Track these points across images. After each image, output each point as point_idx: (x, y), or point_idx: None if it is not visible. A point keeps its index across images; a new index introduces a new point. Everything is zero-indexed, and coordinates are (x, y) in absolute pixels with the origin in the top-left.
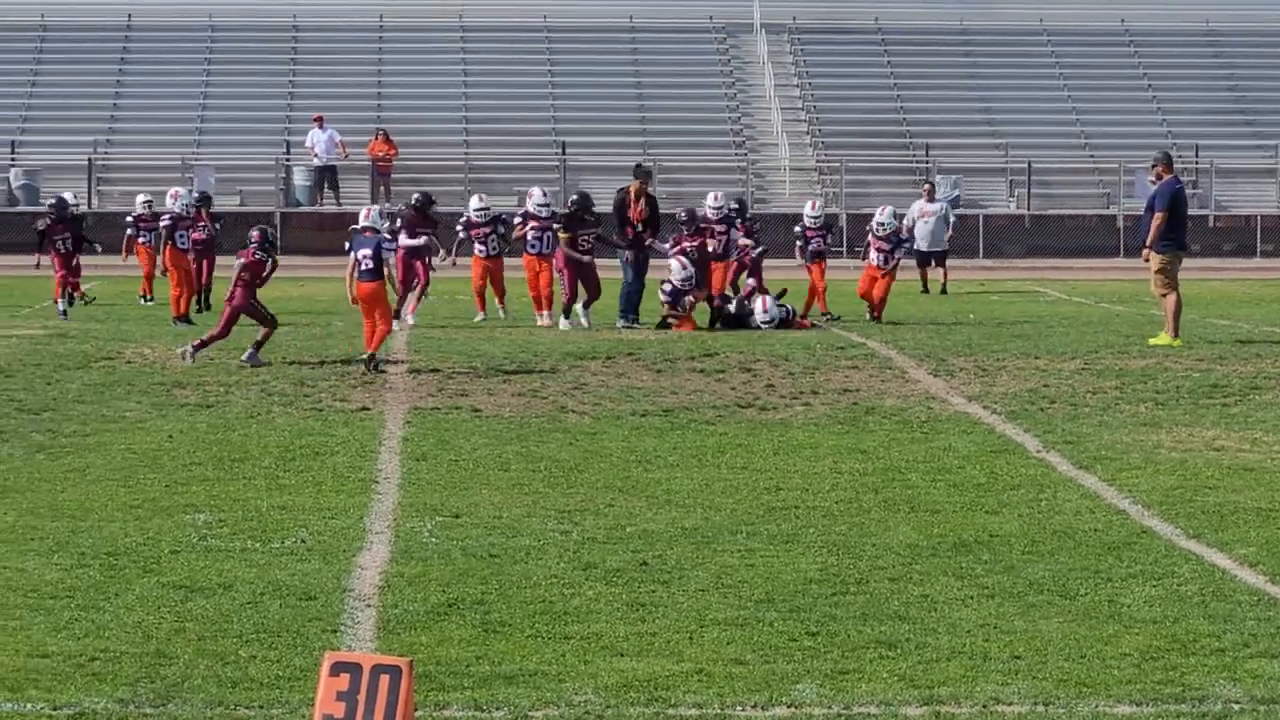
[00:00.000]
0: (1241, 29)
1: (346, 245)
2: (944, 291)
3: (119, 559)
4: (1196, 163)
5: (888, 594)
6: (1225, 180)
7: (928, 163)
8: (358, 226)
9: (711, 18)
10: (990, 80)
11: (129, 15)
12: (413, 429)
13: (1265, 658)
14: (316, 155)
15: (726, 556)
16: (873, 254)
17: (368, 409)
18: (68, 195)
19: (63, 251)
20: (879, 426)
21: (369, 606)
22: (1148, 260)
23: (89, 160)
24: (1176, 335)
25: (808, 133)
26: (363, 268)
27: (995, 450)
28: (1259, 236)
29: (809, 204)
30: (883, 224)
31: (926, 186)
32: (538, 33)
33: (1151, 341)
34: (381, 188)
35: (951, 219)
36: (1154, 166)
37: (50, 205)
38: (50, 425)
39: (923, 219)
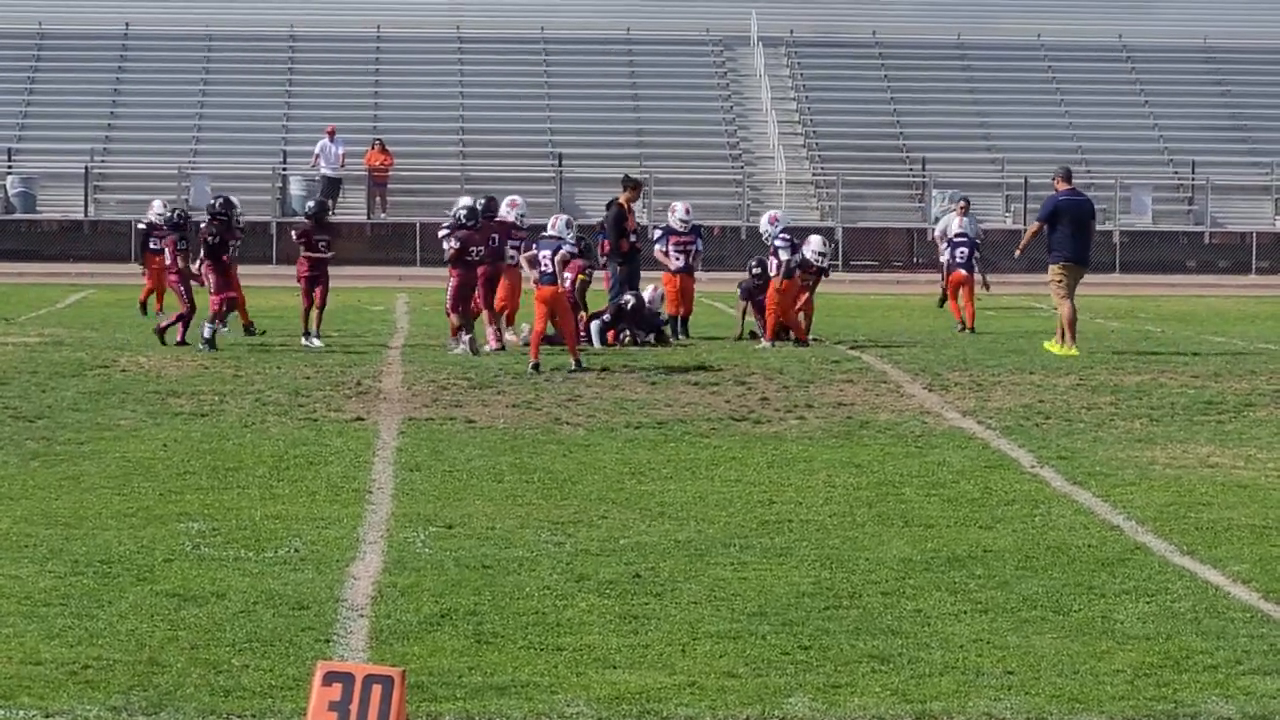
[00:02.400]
0: (1239, 46)
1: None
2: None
3: (113, 567)
4: (1193, 179)
5: (880, 608)
6: (1221, 196)
7: (924, 177)
8: (545, 235)
9: (708, 30)
10: (987, 95)
11: (126, 24)
12: (407, 439)
13: (1258, 675)
14: (328, 166)
15: (719, 569)
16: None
17: (362, 419)
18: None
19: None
20: (873, 441)
21: (362, 616)
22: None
23: (85, 169)
24: (1072, 343)
25: (804, 146)
26: (544, 269)
27: (989, 465)
28: (1254, 253)
29: (681, 207)
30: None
31: (961, 204)
32: (534, 44)
33: (1046, 346)
34: (378, 198)
35: (979, 239)
36: (1054, 179)
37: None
38: (45, 433)
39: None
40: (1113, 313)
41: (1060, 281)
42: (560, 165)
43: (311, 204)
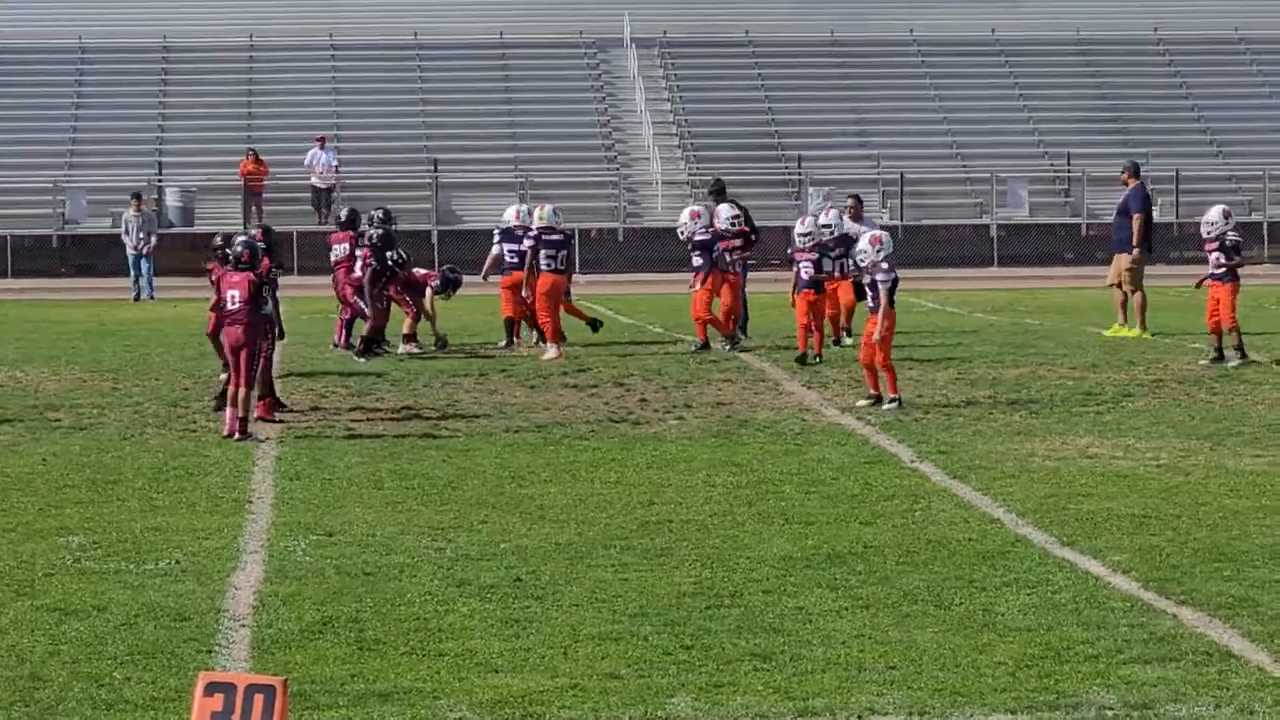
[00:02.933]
0: (1111, 37)
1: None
2: None
3: None
4: (1069, 171)
5: (762, 606)
6: (1097, 188)
7: (800, 174)
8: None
9: (582, 33)
10: (862, 91)
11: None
12: (286, 448)
13: (1139, 664)
14: (319, 175)
15: (600, 571)
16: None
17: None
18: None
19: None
20: (752, 439)
21: (243, 626)
22: (1136, 260)
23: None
24: (1143, 327)
25: (679, 146)
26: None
27: (869, 461)
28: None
29: (540, 208)
30: (1213, 223)
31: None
32: (408, 50)
33: (1110, 333)
34: (253, 207)
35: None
36: (1123, 173)
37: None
38: None
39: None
40: (991, 306)
41: (1136, 270)
42: (436, 170)
43: (375, 232)
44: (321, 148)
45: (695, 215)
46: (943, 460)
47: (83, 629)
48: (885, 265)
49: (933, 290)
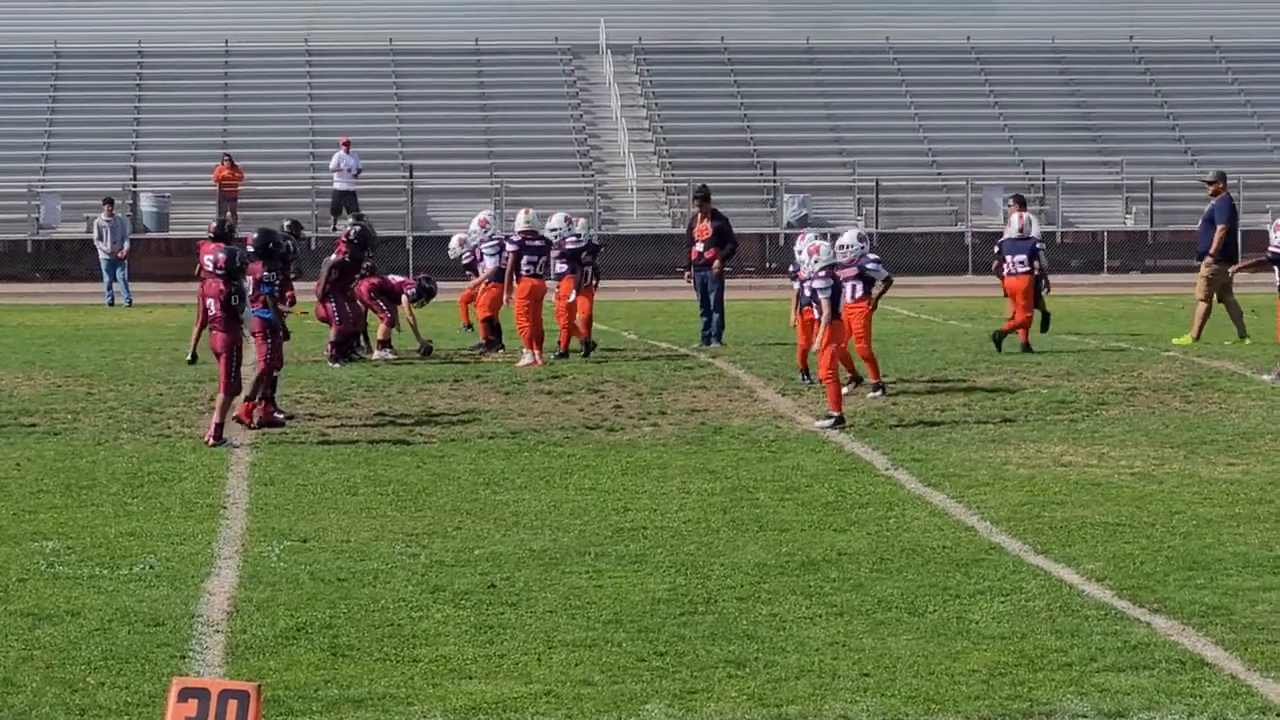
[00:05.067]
0: (1086, 45)
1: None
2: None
3: None
4: (1044, 179)
5: (736, 613)
6: (1072, 196)
7: (775, 181)
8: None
9: (557, 39)
10: (837, 99)
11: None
12: (261, 454)
13: (1112, 671)
14: (344, 178)
15: (575, 578)
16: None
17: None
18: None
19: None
20: (727, 446)
21: (217, 632)
22: (1210, 267)
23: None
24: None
25: (655, 153)
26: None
27: (843, 469)
28: (1106, 252)
29: (524, 211)
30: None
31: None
32: (383, 56)
33: (1183, 340)
34: (229, 213)
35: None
36: (1211, 183)
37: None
38: None
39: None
40: (966, 314)
41: (1214, 279)
42: (411, 177)
43: (354, 229)
44: (346, 150)
45: (484, 224)
46: (917, 468)
47: (56, 634)
48: (823, 274)
49: (907, 298)
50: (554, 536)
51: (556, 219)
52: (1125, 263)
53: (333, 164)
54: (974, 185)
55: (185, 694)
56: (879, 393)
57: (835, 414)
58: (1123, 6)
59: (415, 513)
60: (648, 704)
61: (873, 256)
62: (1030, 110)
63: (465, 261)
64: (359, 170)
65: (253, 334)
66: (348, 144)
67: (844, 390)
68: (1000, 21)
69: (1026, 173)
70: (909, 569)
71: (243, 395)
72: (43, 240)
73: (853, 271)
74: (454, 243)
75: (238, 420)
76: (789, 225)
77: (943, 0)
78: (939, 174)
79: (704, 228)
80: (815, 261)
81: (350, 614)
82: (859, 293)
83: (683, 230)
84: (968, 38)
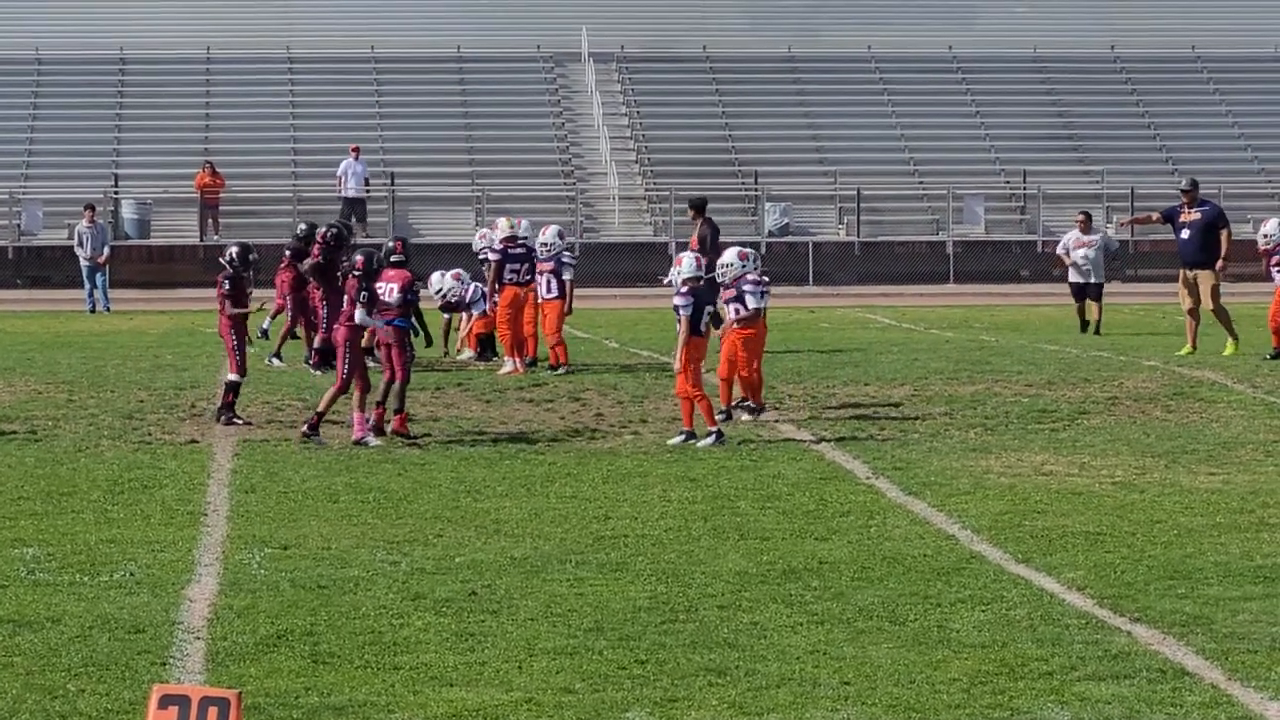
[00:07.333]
0: (1068, 55)
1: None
2: (1098, 331)
3: None
4: (1025, 188)
5: (717, 621)
6: (1053, 205)
7: (757, 190)
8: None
9: (539, 47)
10: (818, 107)
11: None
12: (242, 461)
13: (1093, 680)
14: (353, 186)
15: (556, 585)
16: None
17: (196, 441)
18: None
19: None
20: (708, 454)
21: (198, 639)
22: (1221, 273)
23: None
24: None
25: (636, 161)
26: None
27: (824, 477)
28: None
29: (508, 219)
30: (1269, 235)
31: (1081, 217)
32: (365, 64)
33: (1225, 353)
34: (210, 220)
35: (1114, 248)
36: (1186, 192)
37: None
38: None
39: (1079, 249)
40: (947, 323)
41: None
42: (393, 184)
43: (331, 231)
44: (356, 158)
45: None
46: (898, 476)
47: (36, 641)
48: (684, 289)
49: (888, 306)
50: (535, 544)
51: (550, 233)
52: (1107, 273)
53: (340, 170)
54: (955, 194)
55: (166, 701)
56: (754, 416)
57: (713, 430)
58: (1104, 17)
59: (396, 520)
60: (628, 712)
61: (752, 278)
62: (1011, 119)
63: (453, 300)
64: (368, 178)
65: (385, 344)
66: (357, 151)
67: (718, 417)
68: (982, 31)
69: (1008, 182)
70: (890, 578)
71: (390, 408)
72: (24, 247)
73: (731, 293)
74: (477, 238)
75: (395, 434)
76: (770, 234)
77: (924, 10)
78: (920, 183)
79: (694, 239)
80: (679, 273)
81: (331, 621)
82: (743, 313)
83: (664, 239)
84: (949, 47)
